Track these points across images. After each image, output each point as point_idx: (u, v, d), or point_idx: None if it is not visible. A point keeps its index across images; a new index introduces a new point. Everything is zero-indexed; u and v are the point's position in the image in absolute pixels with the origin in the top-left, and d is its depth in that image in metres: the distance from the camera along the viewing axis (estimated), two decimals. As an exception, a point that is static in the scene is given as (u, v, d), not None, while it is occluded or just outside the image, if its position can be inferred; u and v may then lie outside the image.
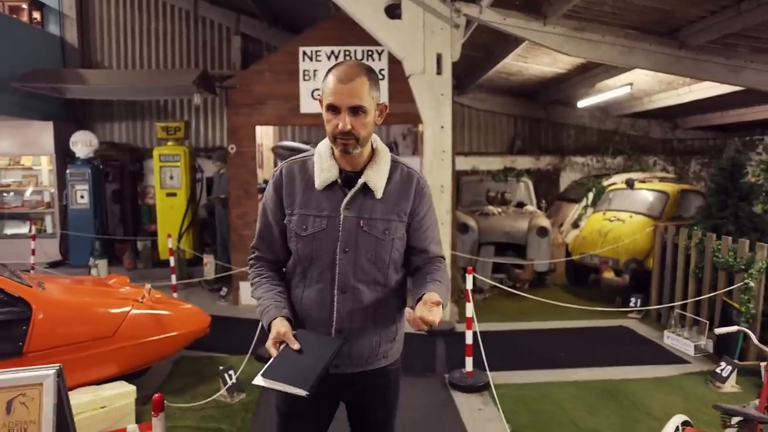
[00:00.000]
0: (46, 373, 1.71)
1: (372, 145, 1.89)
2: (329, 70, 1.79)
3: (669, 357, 5.11)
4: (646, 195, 7.52)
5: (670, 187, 7.46)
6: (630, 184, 7.73)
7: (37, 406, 1.69)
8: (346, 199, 1.84)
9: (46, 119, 9.71)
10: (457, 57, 5.89)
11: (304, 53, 6.88)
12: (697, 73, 6.22)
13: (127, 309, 3.96)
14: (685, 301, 5.44)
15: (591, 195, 9.53)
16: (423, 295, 1.70)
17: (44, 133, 9.85)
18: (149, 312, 4.07)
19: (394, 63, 6.36)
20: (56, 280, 4.47)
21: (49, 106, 9.68)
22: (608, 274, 6.77)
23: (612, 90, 8.86)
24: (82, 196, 8.87)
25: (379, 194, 1.85)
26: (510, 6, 5.83)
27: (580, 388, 4.38)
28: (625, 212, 7.36)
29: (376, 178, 1.85)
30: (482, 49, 8.16)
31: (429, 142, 6.02)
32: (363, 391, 1.97)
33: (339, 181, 1.85)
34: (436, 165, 5.97)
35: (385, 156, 1.90)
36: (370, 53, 6.84)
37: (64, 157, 9.80)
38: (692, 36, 5.92)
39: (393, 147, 11.13)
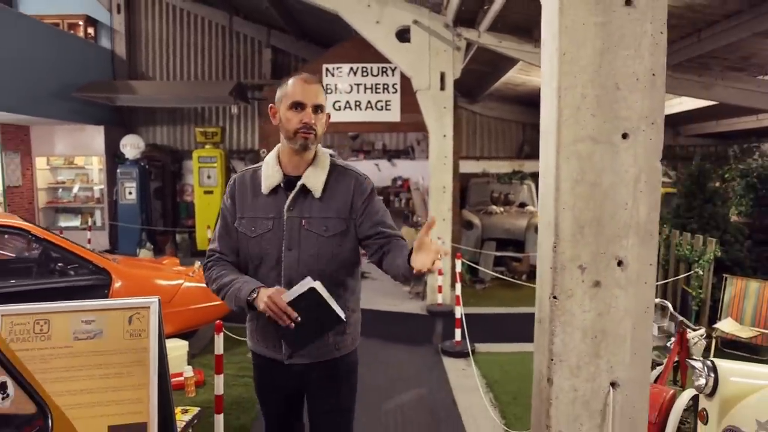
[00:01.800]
0: (152, 300, 2.67)
1: (315, 151, 2.04)
2: (290, 79, 2.00)
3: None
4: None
5: (656, 191, 8.21)
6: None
7: (146, 321, 2.65)
8: (288, 201, 1.98)
9: (98, 124, 10.88)
10: (458, 75, 6.78)
11: (327, 69, 7.85)
12: (673, 89, 6.99)
13: (180, 282, 4.96)
14: (653, 290, 6.24)
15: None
16: (410, 250, 1.79)
17: (96, 136, 11.03)
18: (197, 285, 5.05)
19: (406, 78, 7.27)
20: (123, 260, 5.51)
21: (101, 113, 10.84)
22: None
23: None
24: (130, 193, 10.00)
25: (317, 194, 1.97)
26: (504, 30, 6.69)
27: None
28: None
29: (314, 180, 1.98)
30: (488, 64, 9.01)
31: (433, 148, 6.92)
32: (317, 380, 2.08)
33: (282, 184, 2.00)
34: (439, 168, 6.87)
35: (324, 159, 2.04)
36: (384, 70, 7.78)
37: (112, 157, 10.97)
38: (668, 56, 6.70)
39: (410, 151, 12.09)
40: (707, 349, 5.04)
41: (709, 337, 5.19)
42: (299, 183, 1.98)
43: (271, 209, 2.01)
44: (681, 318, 3.71)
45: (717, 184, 6.83)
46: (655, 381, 3.62)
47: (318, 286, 1.75)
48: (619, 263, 1.49)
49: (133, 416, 2.56)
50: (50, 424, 1.74)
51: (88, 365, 2.55)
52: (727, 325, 5.12)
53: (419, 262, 1.69)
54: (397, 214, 11.01)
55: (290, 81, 1.99)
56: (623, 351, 1.52)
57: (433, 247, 1.70)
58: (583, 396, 1.53)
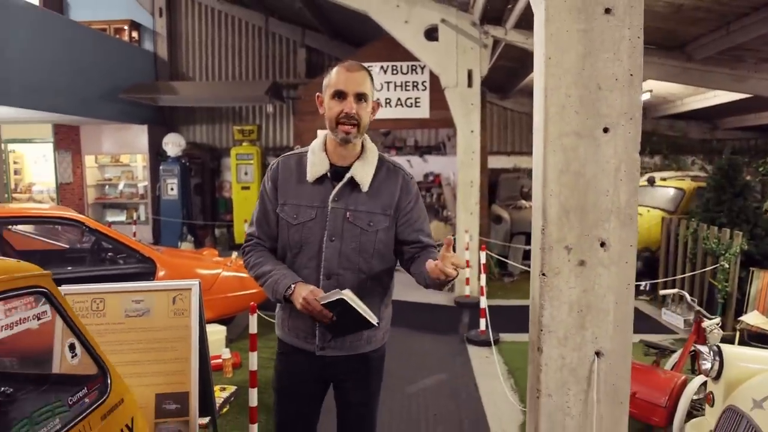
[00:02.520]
0: (194, 283, 2.96)
1: (362, 143, 2.02)
2: (334, 68, 1.95)
3: (661, 329, 5.96)
4: (664, 191, 8.24)
5: (687, 185, 8.15)
6: (651, 181, 8.47)
7: (188, 301, 2.94)
8: (334, 192, 1.94)
9: (142, 123, 11.40)
10: (485, 72, 6.92)
11: (358, 68, 8.09)
12: (704, 82, 6.97)
13: (218, 271, 5.28)
14: (667, 279, 6.27)
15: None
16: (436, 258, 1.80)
17: (140, 135, 11.57)
18: (235, 274, 5.37)
19: (434, 76, 7.44)
20: (167, 250, 5.88)
21: (145, 112, 11.35)
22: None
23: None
24: (171, 189, 10.47)
25: (365, 188, 1.94)
26: (530, 27, 6.77)
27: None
28: (643, 207, 8.11)
29: (363, 173, 1.95)
30: (517, 61, 9.09)
31: (461, 143, 7.08)
32: (347, 373, 2.08)
33: (329, 174, 1.96)
34: (467, 163, 7.03)
35: (373, 153, 2.02)
36: (413, 68, 7.97)
37: (155, 155, 11.48)
38: (698, 50, 6.68)
39: (441, 147, 12.24)
40: (732, 341, 5.08)
41: (734, 329, 5.23)
42: (348, 175, 1.94)
43: (315, 198, 1.96)
44: (698, 308, 3.80)
45: (749, 177, 6.76)
46: (672, 368, 3.74)
47: (347, 295, 1.72)
48: (602, 244, 1.66)
49: (177, 386, 2.85)
50: (109, 383, 2.03)
51: (138, 340, 2.86)
52: (752, 318, 5.14)
53: (436, 272, 1.73)
54: (427, 209, 11.18)
55: (334, 69, 1.93)
56: (607, 323, 1.69)
57: (452, 261, 1.70)
58: (570, 364, 1.71)
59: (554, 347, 1.70)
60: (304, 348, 2.05)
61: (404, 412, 3.95)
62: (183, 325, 2.92)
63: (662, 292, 4.08)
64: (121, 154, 12.02)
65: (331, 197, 1.94)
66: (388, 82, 8.20)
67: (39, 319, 1.76)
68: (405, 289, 7.73)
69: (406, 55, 7.53)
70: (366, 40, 9.31)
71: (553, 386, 1.71)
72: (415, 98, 8.15)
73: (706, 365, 2.89)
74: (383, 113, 8.31)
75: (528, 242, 8.59)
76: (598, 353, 1.69)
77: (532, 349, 1.77)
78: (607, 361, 1.70)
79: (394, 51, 7.77)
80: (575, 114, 1.62)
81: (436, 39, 6.89)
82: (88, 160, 11.83)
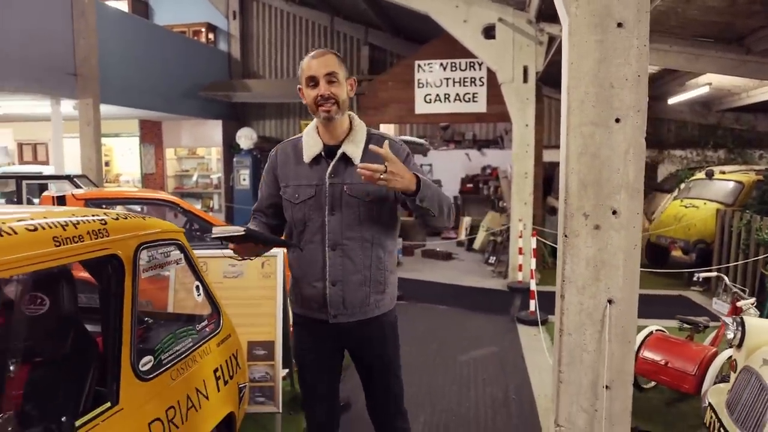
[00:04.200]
0: (279, 251, 3.52)
1: (350, 120, 2.14)
2: (302, 61, 2.08)
3: (710, 317, 6.11)
4: (722, 184, 8.26)
5: (746, 178, 8.13)
6: (709, 174, 8.49)
7: (274, 266, 3.50)
8: (329, 169, 2.06)
9: (217, 119, 12.30)
10: (541, 68, 7.21)
11: (419, 65, 8.54)
12: (762, 75, 6.98)
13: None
14: (720, 267, 6.39)
15: (683, 186, 10.23)
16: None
17: (215, 129, 12.48)
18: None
19: (492, 72, 7.78)
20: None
21: (219, 108, 12.24)
22: (676, 253, 7.71)
23: (696, 89, 9.54)
24: (244, 179, 11.29)
25: (357, 161, 2.03)
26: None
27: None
28: (700, 200, 8.17)
29: (353, 148, 2.07)
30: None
31: (516, 137, 7.41)
32: (360, 339, 2.19)
33: (323, 153, 2.09)
34: (521, 156, 7.36)
35: (361, 128, 2.14)
36: (471, 64, 8.34)
37: (229, 148, 12.36)
38: (756, 42, 6.72)
39: (499, 141, 12.51)
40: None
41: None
42: (339, 151, 2.07)
43: (313, 177, 2.09)
44: (735, 289, 4.05)
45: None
46: (711, 344, 4.01)
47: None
48: (614, 212, 2.04)
49: (265, 335, 3.43)
50: (221, 320, 2.60)
51: (234, 297, 3.45)
52: (801, 306, 5.25)
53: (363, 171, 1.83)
54: (484, 201, 11.52)
55: (304, 60, 2.07)
56: (617, 277, 2.07)
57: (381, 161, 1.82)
58: (587, 309, 2.10)
59: (574, 295, 2.10)
60: (318, 318, 2.15)
61: (456, 376, 4.40)
62: (270, 285, 3.49)
63: (702, 275, 4.33)
64: (198, 147, 13.00)
65: (327, 174, 2.06)
66: (447, 78, 8.60)
67: (177, 263, 2.34)
68: (461, 275, 8.20)
69: (464, 53, 7.92)
70: (427, 37, 9.74)
71: (572, 327, 2.12)
72: (473, 93, 8.52)
73: (730, 334, 3.19)
74: (442, 108, 8.74)
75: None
76: (610, 301, 2.08)
77: (557, 296, 2.17)
78: (618, 307, 2.08)
79: (453, 49, 8.16)
80: (592, 107, 2.01)
81: (493, 37, 7.25)
82: (169, 153, 12.87)
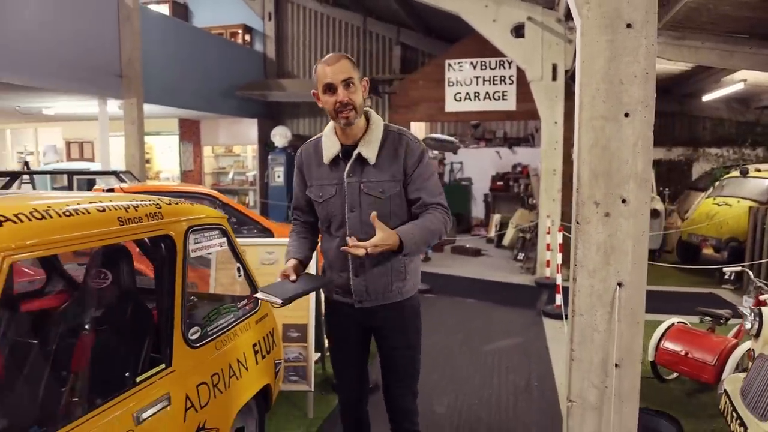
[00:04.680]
0: (311, 240, 3.73)
1: (367, 118, 2.24)
2: (317, 65, 2.15)
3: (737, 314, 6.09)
4: (757, 182, 8.15)
5: (783, 175, 8.03)
6: (744, 172, 8.40)
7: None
8: (346, 169, 2.19)
9: (253, 117, 12.67)
10: (569, 66, 7.28)
11: (449, 65, 8.69)
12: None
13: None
14: (753, 263, 6.35)
15: (717, 184, 10.10)
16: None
17: (251, 128, 12.86)
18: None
19: (521, 70, 7.88)
20: (279, 224, 6.83)
21: (255, 107, 12.60)
22: (707, 251, 7.67)
23: (731, 85, 9.41)
24: (278, 176, 11.63)
25: (372, 161, 2.17)
26: (616, 22, 7.05)
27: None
28: (734, 198, 8.10)
29: (368, 149, 2.18)
30: (606, 53, 9.28)
31: (545, 134, 7.50)
32: (383, 321, 2.33)
33: (340, 154, 2.20)
34: (550, 153, 7.44)
35: (377, 126, 2.23)
36: (501, 63, 8.45)
37: (264, 146, 12.72)
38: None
39: (530, 138, 12.54)
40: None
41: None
42: (355, 152, 2.18)
43: (333, 177, 2.22)
44: (758, 283, 4.10)
45: None
46: (734, 337, 4.07)
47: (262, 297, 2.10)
48: (623, 201, 2.17)
49: (298, 319, 3.65)
50: (259, 301, 2.82)
51: (269, 282, 3.67)
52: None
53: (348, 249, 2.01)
54: (514, 198, 11.59)
55: (318, 66, 2.13)
56: (626, 261, 2.21)
57: (350, 250, 2.00)
58: (597, 291, 2.24)
59: (585, 278, 2.25)
60: (345, 302, 2.32)
61: (480, 365, 4.56)
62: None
63: (726, 269, 4.38)
64: (234, 145, 13.40)
65: (345, 174, 2.19)
66: (477, 77, 8.73)
67: (221, 246, 2.58)
68: (490, 270, 8.33)
69: (494, 51, 8.03)
70: (458, 36, 9.87)
71: (584, 308, 2.26)
72: (503, 92, 8.63)
73: (748, 325, 3.27)
74: (472, 106, 8.87)
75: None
76: (619, 284, 2.21)
77: (570, 280, 2.32)
78: (627, 290, 2.22)
79: (483, 48, 8.29)
80: (602, 103, 2.15)
81: (522, 36, 7.35)
82: (206, 150, 13.32)
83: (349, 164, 2.19)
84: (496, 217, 11.03)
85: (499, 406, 3.80)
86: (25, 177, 7.75)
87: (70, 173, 7.37)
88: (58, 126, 12.84)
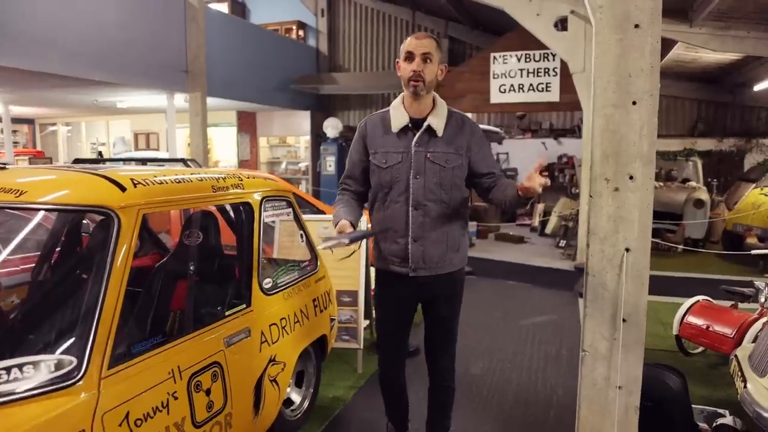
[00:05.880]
0: (363, 219, 4.20)
1: (434, 99, 2.46)
2: (407, 38, 2.40)
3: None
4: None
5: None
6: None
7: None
8: (415, 138, 2.38)
9: (305, 110, 13.28)
10: (612, 57, 7.46)
11: (494, 57, 8.99)
12: None
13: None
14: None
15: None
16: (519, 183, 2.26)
17: (304, 120, 13.48)
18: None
19: (565, 62, 8.10)
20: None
21: (308, 100, 13.20)
22: (751, 240, 7.73)
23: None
24: (330, 166, 12.20)
25: (440, 133, 2.39)
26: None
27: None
28: (773, 189, 8.10)
29: (437, 121, 2.40)
30: (652, 44, 9.34)
31: (587, 125, 7.72)
32: (433, 291, 2.50)
33: (409, 125, 2.40)
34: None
35: (443, 106, 2.47)
36: (545, 55, 8.69)
37: (316, 137, 13.32)
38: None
39: (576, 130, 12.65)
40: None
41: None
42: (425, 123, 2.39)
43: (400, 145, 2.40)
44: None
45: None
46: (759, 314, 4.29)
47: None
48: (631, 177, 2.52)
49: (350, 285, 4.13)
50: (318, 263, 3.32)
51: (325, 254, 4.14)
52: None
53: (525, 185, 2.23)
54: (559, 188, 11.76)
55: (407, 38, 2.40)
56: (633, 230, 2.55)
57: (538, 180, 2.23)
58: (608, 256, 2.59)
59: (597, 244, 2.60)
60: (399, 272, 2.47)
61: (515, 336, 4.94)
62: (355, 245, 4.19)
63: (753, 252, 4.59)
64: (288, 136, 14.07)
65: (413, 143, 2.38)
66: (521, 69, 8.99)
67: (287, 215, 3.08)
68: (531, 256, 8.61)
69: (538, 44, 8.26)
70: (504, 28, 10.11)
71: (596, 270, 2.62)
72: (546, 83, 8.86)
73: (762, 298, 3.53)
74: (516, 98, 9.13)
75: (658, 219, 8.92)
76: (627, 249, 2.56)
77: (586, 245, 2.68)
78: (633, 255, 2.56)
79: (527, 41, 8.53)
80: (613, 93, 2.51)
81: (565, 29, 7.58)
82: (262, 141, 14.04)
83: (418, 134, 2.39)
84: (540, 207, 11.24)
85: (530, 369, 4.18)
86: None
87: (143, 160, 8.10)
88: (127, 119, 13.82)
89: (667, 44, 9.25)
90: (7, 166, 2.27)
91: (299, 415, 3.15)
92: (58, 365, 1.64)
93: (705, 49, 7.53)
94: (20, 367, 1.56)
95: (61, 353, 1.71)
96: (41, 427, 1.53)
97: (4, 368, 1.54)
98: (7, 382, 1.53)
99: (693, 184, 9.51)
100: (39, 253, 2.72)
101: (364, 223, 4.16)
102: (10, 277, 2.89)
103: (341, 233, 2.29)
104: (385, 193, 2.45)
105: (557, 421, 3.38)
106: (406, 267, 2.45)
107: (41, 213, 2.31)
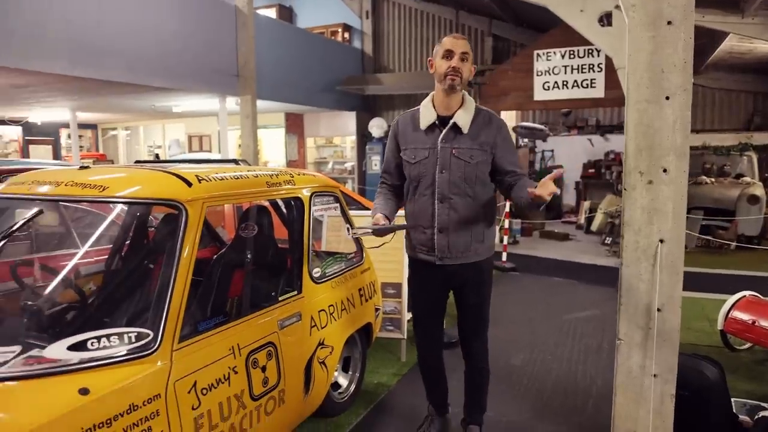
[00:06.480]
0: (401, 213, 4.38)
1: (463, 97, 2.58)
2: (442, 39, 2.56)
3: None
4: None
5: None
6: None
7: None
8: (441, 135, 2.51)
9: (351, 110, 13.55)
10: (658, 51, 7.37)
11: (538, 55, 9.00)
12: None
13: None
14: None
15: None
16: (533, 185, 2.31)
17: (349, 120, 13.75)
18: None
19: (610, 58, 8.03)
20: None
21: (354, 101, 13.46)
22: (808, 236, 7.49)
23: None
24: (375, 165, 12.43)
25: (465, 130, 2.50)
26: (707, 5, 7.07)
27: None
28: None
29: (463, 119, 2.51)
30: (702, 36, 9.14)
31: (632, 120, 7.64)
32: (462, 279, 2.62)
33: (437, 122, 2.53)
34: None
35: (471, 103, 2.58)
36: (590, 51, 8.64)
37: (361, 137, 13.57)
38: None
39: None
40: None
41: None
42: (451, 120, 2.51)
43: (427, 142, 2.54)
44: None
45: None
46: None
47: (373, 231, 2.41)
48: (664, 170, 2.58)
49: (394, 278, 4.30)
50: (363, 255, 3.50)
51: (370, 246, 4.34)
52: None
53: (536, 192, 2.28)
54: (605, 185, 11.61)
55: (444, 38, 2.56)
56: (667, 221, 2.61)
57: (549, 188, 2.27)
58: (642, 247, 2.67)
59: (632, 235, 2.68)
60: (427, 260, 2.63)
61: (557, 330, 5.00)
62: (397, 239, 4.36)
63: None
64: (334, 137, 14.39)
65: (440, 139, 2.51)
66: (565, 66, 8.95)
67: (335, 210, 3.28)
68: (577, 253, 8.59)
69: (582, 40, 8.19)
70: (547, 25, 10.08)
71: (631, 261, 2.70)
72: (591, 79, 8.80)
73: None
74: (560, 94, 9.11)
75: (709, 215, 8.73)
76: (661, 240, 2.63)
77: (621, 237, 2.77)
78: (667, 245, 2.63)
79: (570, 37, 8.50)
80: (646, 88, 2.59)
81: (609, 24, 7.52)
82: (309, 142, 14.40)
83: (444, 131, 2.52)
84: (587, 204, 11.14)
85: (570, 361, 4.25)
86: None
87: (200, 161, 8.52)
88: (182, 122, 14.44)
89: (718, 36, 9.04)
90: (89, 167, 2.55)
91: (346, 398, 3.35)
92: (138, 337, 1.88)
93: (760, 40, 7.32)
94: (108, 337, 1.81)
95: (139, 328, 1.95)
96: (128, 389, 1.77)
97: (95, 337, 1.79)
98: (99, 348, 1.78)
99: (747, 179, 9.25)
100: (111, 246, 3.01)
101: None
102: (87, 267, 3.19)
103: (375, 223, 2.49)
104: (414, 186, 2.61)
105: (595, 410, 3.46)
106: (432, 255, 2.61)
107: (119, 207, 2.57)
